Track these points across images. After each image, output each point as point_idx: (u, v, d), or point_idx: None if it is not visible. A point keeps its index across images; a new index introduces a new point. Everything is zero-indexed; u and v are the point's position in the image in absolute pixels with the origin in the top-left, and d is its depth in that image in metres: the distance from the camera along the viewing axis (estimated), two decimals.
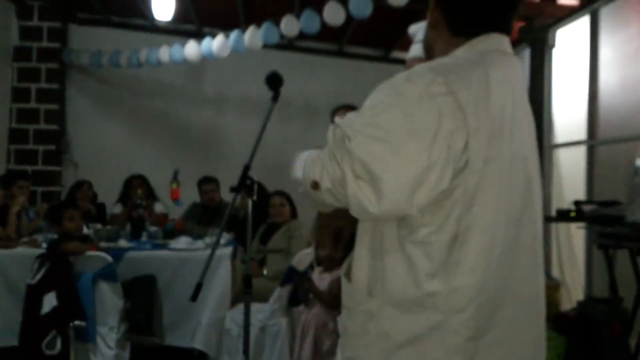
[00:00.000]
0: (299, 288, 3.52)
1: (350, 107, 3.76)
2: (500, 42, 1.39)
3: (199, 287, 2.64)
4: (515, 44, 6.37)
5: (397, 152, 1.20)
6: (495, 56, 1.35)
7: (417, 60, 2.22)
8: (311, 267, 3.71)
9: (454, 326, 1.26)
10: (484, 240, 1.27)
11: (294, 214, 4.82)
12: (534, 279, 1.38)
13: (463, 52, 1.36)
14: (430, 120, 1.20)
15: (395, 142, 1.21)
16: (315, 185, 1.30)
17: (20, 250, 4.14)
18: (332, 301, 3.23)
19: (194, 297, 2.64)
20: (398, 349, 1.30)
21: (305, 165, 1.37)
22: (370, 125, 1.23)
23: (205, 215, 5.51)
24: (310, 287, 3.43)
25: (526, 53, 5.92)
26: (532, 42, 5.65)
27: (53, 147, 7.04)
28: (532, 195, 1.37)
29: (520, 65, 1.43)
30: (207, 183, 5.61)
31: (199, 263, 3.87)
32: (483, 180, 1.25)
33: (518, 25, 5.80)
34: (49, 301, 3.59)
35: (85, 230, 4.31)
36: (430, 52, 1.49)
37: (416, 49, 2.25)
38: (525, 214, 1.34)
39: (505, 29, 1.40)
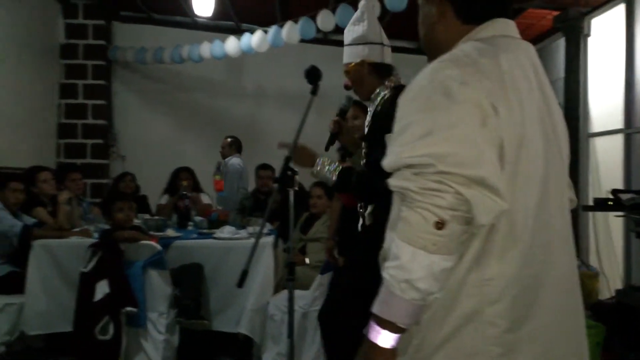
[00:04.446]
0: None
1: (357, 103, 3.79)
2: (506, 26, 1.40)
3: (244, 273, 2.73)
4: (551, 33, 6.35)
5: (477, 150, 1.19)
6: (504, 41, 1.35)
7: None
8: None
9: (489, 317, 1.24)
10: (516, 228, 1.24)
11: None
12: (569, 264, 1.36)
13: (471, 42, 1.35)
14: (477, 117, 1.21)
15: (470, 143, 1.19)
16: (440, 225, 1.16)
17: (73, 239, 4.25)
18: None
19: (240, 283, 2.71)
20: (437, 351, 1.27)
21: (402, 236, 1.19)
22: (441, 139, 1.19)
23: (257, 205, 5.65)
24: None
25: (561, 42, 5.86)
26: (567, 31, 5.59)
27: (101, 141, 7.26)
28: (560, 177, 1.36)
29: (530, 48, 1.40)
30: (264, 169, 5.75)
31: (243, 251, 4.00)
32: (516, 166, 1.24)
33: (553, 14, 5.77)
34: (102, 288, 3.68)
35: (135, 221, 4.41)
36: (434, 46, 1.47)
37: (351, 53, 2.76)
38: (555, 197, 1.32)
39: (508, 14, 1.41)
